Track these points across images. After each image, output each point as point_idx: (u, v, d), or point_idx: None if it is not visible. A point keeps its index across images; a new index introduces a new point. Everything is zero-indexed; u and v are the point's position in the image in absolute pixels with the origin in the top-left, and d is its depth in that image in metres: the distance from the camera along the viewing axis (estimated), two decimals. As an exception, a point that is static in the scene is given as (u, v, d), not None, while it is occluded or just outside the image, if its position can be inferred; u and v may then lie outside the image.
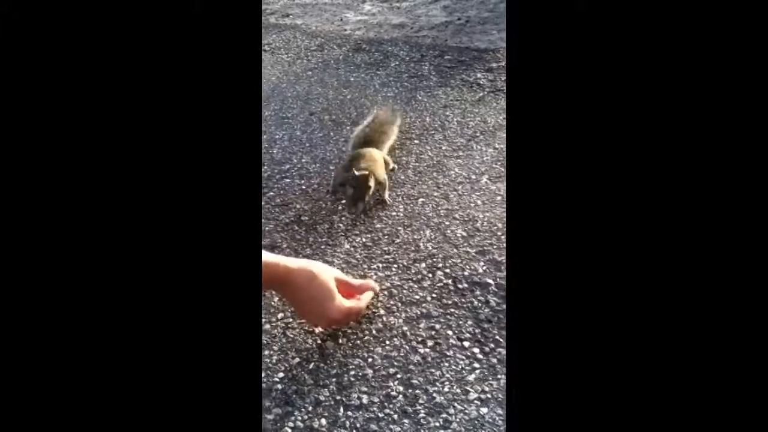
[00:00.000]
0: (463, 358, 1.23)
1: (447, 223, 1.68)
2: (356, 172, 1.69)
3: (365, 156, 1.82)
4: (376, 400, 1.15)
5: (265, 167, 2.07)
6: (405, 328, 1.32)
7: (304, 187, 1.94)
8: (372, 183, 1.70)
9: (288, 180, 1.99)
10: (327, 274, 1.26)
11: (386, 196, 1.79)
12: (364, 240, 1.64)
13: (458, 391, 1.16)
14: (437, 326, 1.32)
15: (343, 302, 1.26)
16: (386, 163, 1.91)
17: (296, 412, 1.14)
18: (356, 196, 1.68)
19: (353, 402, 1.15)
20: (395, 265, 1.53)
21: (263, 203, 1.87)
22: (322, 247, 1.63)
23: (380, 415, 1.12)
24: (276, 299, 1.44)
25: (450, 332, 1.30)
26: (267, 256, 1.16)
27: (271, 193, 1.92)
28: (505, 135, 2.11)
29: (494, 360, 1.22)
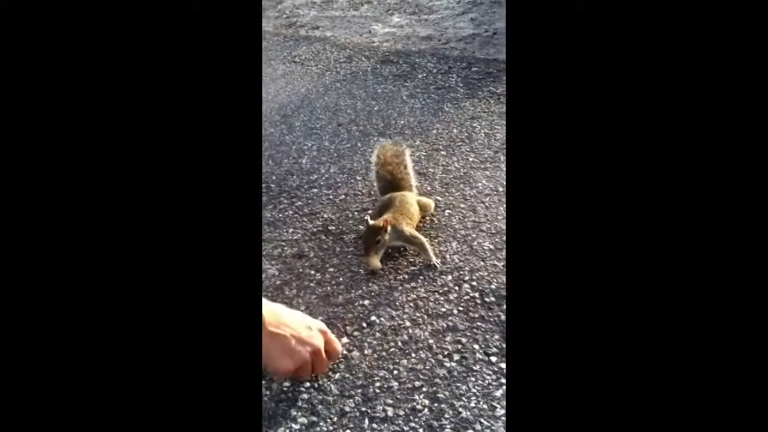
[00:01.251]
0: (490, 373, 1.21)
1: (474, 235, 1.67)
2: (370, 221, 1.55)
3: (395, 202, 1.63)
4: (401, 413, 1.14)
5: (294, 177, 2.09)
6: (431, 341, 1.31)
7: (331, 197, 1.95)
8: (387, 236, 1.51)
9: (316, 190, 2.00)
10: (281, 327, 1.14)
11: (431, 256, 1.53)
12: (390, 251, 1.64)
13: (485, 406, 1.14)
14: (463, 340, 1.30)
15: (299, 353, 1.13)
16: (423, 207, 1.69)
17: (321, 423, 1.13)
18: (367, 247, 1.52)
19: (378, 414, 1.14)
20: (421, 277, 1.52)
21: (291, 212, 1.88)
22: (349, 257, 1.63)
23: (405, 428, 1.11)
24: (303, 307, 1.44)
25: (476, 346, 1.28)
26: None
27: (300, 203, 1.93)
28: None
29: (521, 376, 1.20)
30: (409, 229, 1.57)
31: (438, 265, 1.54)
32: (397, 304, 1.43)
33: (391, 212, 1.61)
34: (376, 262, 1.52)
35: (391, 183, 1.77)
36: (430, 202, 1.75)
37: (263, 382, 1.24)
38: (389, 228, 1.53)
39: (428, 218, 1.76)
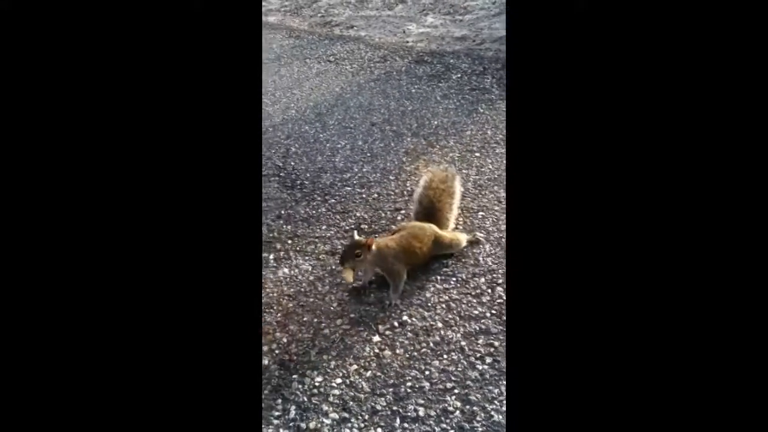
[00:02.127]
0: (523, 377, 1.21)
1: (507, 238, 1.66)
2: (356, 236, 1.49)
3: (403, 233, 1.55)
4: (432, 413, 1.14)
5: (327, 175, 2.11)
6: (463, 343, 1.30)
7: (364, 195, 1.96)
8: (369, 256, 1.44)
9: (349, 188, 2.02)
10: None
11: (392, 296, 1.46)
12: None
13: (517, 411, 1.13)
14: (496, 343, 1.30)
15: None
16: (449, 244, 1.58)
17: (353, 419, 1.15)
18: (342, 258, 1.45)
19: (409, 414, 1.15)
20: (454, 279, 1.51)
21: (324, 210, 1.90)
22: (381, 256, 1.64)
23: (437, 429, 1.11)
24: (335, 304, 1.46)
25: (509, 350, 1.28)
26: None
27: (333, 200, 1.95)
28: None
29: (555, 382, 1.19)
30: (394, 261, 1.47)
31: (395, 304, 1.43)
32: (429, 305, 1.43)
33: (390, 238, 1.52)
34: (349, 275, 1.44)
35: (428, 210, 1.66)
36: (461, 240, 1.61)
37: (295, 376, 1.26)
38: (373, 248, 1.44)
39: (462, 220, 1.76)
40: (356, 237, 1.49)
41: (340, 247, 1.70)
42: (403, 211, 1.83)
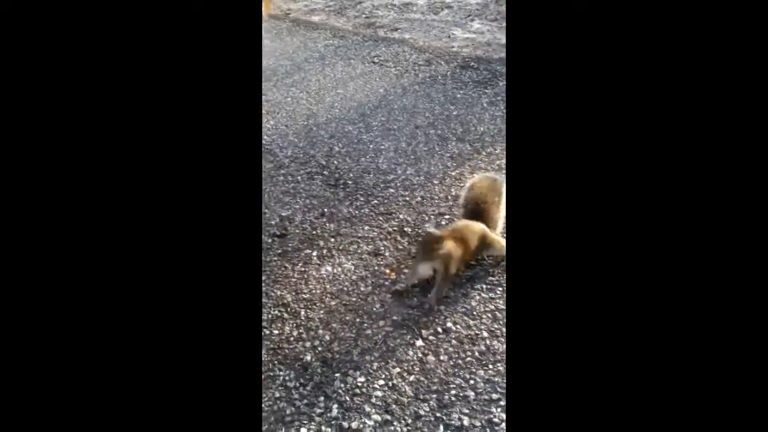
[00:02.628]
0: (571, 394, 1.18)
1: (555, 250, 1.63)
2: (429, 229, 1.52)
3: (458, 230, 1.54)
4: (477, 423, 1.13)
5: (370, 175, 2.12)
6: (509, 354, 1.29)
7: (407, 198, 1.96)
8: (439, 254, 1.43)
9: (392, 190, 2.02)
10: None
11: (434, 296, 1.44)
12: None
13: (565, 427, 1.11)
14: (543, 356, 1.28)
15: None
16: (489, 244, 1.57)
17: (395, 423, 1.14)
18: (419, 251, 1.47)
19: (453, 422, 1.13)
20: (500, 288, 1.50)
21: (367, 210, 1.90)
22: (424, 260, 1.63)
23: (482, 439, 1.09)
24: (378, 305, 1.45)
25: (556, 365, 1.25)
26: None
27: (375, 201, 1.95)
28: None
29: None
30: (457, 263, 1.47)
31: (435, 308, 1.43)
32: (475, 313, 1.42)
33: (450, 236, 1.49)
34: (423, 270, 1.46)
35: (475, 212, 1.64)
36: (502, 244, 1.59)
37: (337, 374, 1.26)
38: (448, 246, 1.44)
39: (504, 225, 1.74)
40: (432, 230, 1.49)
41: (382, 248, 1.70)
42: (447, 216, 1.82)
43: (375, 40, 3.78)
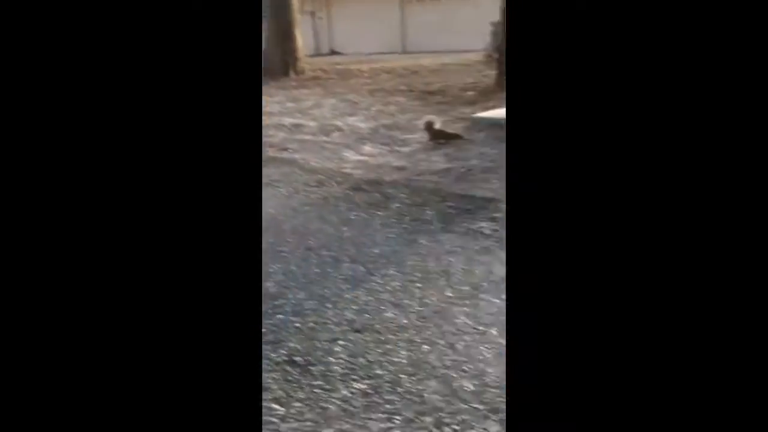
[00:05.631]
0: None
1: (454, 375, 1.70)
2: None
3: None
4: None
5: (257, 300, 2.11)
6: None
7: (298, 324, 1.96)
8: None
9: (281, 316, 2.02)
10: None
11: None
12: (363, 386, 1.64)
13: None
14: (447, 492, 1.28)
15: None
16: None
17: None
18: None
19: None
20: (398, 417, 1.51)
21: (253, 339, 1.87)
22: (316, 391, 1.62)
23: None
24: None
25: (461, 500, 1.26)
26: None
27: (263, 330, 1.93)
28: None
29: None
30: None
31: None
32: (372, 447, 1.40)
33: None
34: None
35: None
36: None
37: None
38: None
39: (405, 353, 1.79)
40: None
41: (269, 381, 1.66)
42: (341, 342, 1.84)
43: (264, 160, 3.94)
